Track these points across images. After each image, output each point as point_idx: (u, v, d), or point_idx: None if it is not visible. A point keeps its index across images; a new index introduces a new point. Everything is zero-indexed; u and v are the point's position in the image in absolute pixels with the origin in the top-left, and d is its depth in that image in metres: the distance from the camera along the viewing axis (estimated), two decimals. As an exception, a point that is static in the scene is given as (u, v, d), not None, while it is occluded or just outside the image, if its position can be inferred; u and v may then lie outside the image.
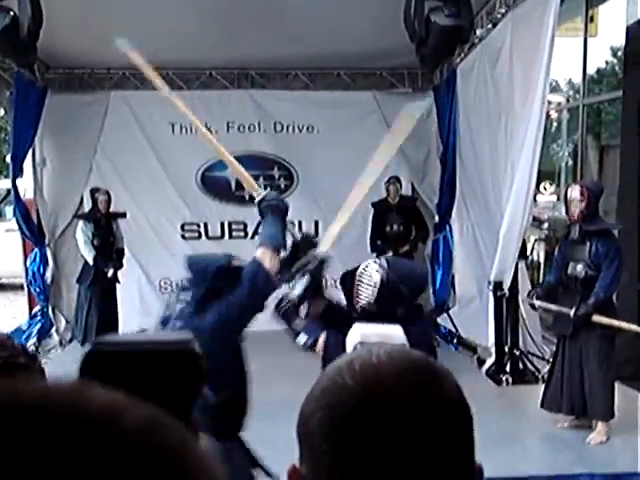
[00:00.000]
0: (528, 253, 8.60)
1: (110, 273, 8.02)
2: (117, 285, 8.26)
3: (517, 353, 6.96)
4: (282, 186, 9.51)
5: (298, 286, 3.23)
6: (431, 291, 9.00)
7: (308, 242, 3.45)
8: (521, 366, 6.95)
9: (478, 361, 7.43)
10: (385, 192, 8.69)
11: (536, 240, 10.35)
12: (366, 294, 3.11)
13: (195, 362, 0.66)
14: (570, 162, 14.57)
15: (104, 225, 8.10)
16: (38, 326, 8.73)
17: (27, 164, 8.73)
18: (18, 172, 8.48)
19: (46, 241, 8.83)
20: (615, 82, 13.39)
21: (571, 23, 11.07)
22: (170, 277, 9.34)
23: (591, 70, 11.30)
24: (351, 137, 8.73)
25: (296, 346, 3.29)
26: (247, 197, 9.51)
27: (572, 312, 5.27)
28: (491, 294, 6.91)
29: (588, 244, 5.32)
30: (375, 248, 8.34)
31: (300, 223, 9.48)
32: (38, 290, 8.88)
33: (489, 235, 7.37)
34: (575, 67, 10.32)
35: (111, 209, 8.17)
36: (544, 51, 5.79)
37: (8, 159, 9.02)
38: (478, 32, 7.50)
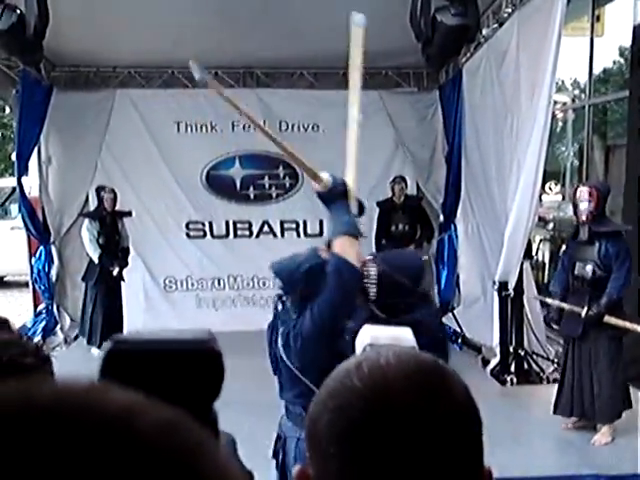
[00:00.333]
0: (533, 253, 8.59)
1: (115, 271, 8.02)
2: (122, 283, 8.26)
3: (522, 353, 6.95)
4: (287, 185, 9.52)
5: None
6: (436, 291, 8.99)
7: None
8: (526, 366, 6.94)
9: (483, 361, 7.42)
10: (390, 191, 8.70)
11: (541, 240, 10.33)
12: (370, 291, 3.11)
13: (215, 361, 0.65)
14: (575, 162, 14.55)
15: (110, 223, 8.10)
16: (43, 324, 8.76)
17: (33, 162, 8.75)
18: (23, 170, 8.50)
19: (51, 239, 8.85)
20: (621, 82, 13.35)
21: (577, 22, 11.05)
22: (175, 275, 9.36)
23: (597, 70, 11.27)
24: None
25: None
26: (252, 196, 9.54)
27: (584, 312, 5.25)
28: (496, 294, 6.90)
29: (597, 244, 5.31)
30: (380, 247, 8.32)
31: (305, 222, 9.50)
32: (43, 288, 8.90)
33: (494, 235, 7.36)
34: (581, 67, 10.30)
35: (117, 207, 8.17)
36: (550, 50, 5.78)
37: (14, 157, 9.02)
38: (484, 32, 7.50)
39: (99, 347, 7.94)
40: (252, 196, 9.54)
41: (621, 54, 14.90)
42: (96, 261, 7.95)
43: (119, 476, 0.39)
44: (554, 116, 10.74)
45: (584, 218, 5.34)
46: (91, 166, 9.01)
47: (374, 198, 8.50)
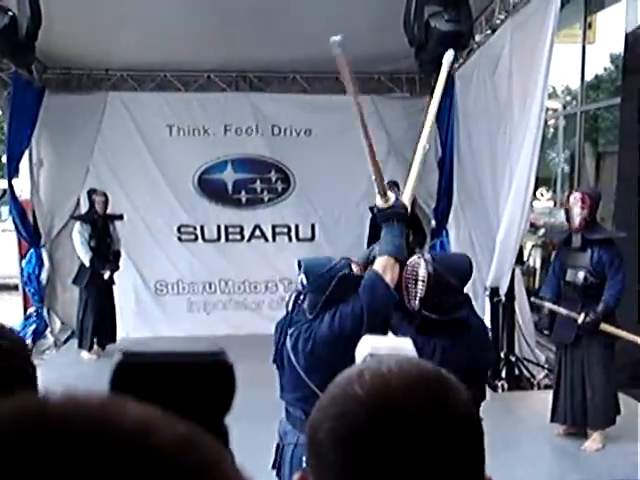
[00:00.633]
0: (525, 259, 8.60)
1: (107, 275, 7.99)
2: (113, 287, 8.23)
3: (513, 359, 6.96)
4: (279, 189, 9.51)
5: None
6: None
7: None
8: (517, 372, 6.95)
9: (474, 367, 7.41)
10: (383, 196, 8.68)
11: (533, 246, 10.35)
12: (417, 290, 3.17)
13: (227, 374, 0.64)
14: (567, 168, 14.60)
15: (101, 227, 8.06)
16: (33, 327, 8.71)
17: (24, 164, 8.71)
18: (14, 172, 8.45)
19: (42, 242, 8.81)
20: (612, 89, 13.41)
21: (569, 30, 11.08)
22: (166, 279, 9.33)
23: (589, 77, 11.31)
24: (348, 141, 8.67)
25: None
26: (244, 200, 9.52)
27: (581, 318, 5.25)
28: (487, 300, 6.90)
29: (589, 251, 5.32)
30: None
31: (297, 226, 9.49)
32: (33, 291, 8.85)
33: (486, 241, 7.37)
34: (573, 74, 10.34)
35: (108, 211, 8.14)
36: (543, 57, 5.79)
37: (4, 159, 8.98)
38: (477, 38, 7.51)
39: (89, 351, 7.91)
40: (244, 200, 9.53)
41: (612, 61, 14.97)
42: (87, 264, 7.92)
43: None
44: (545, 123, 10.79)
45: (577, 225, 5.35)
46: (83, 169, 8.98)
47: (367, 203, 8.48)
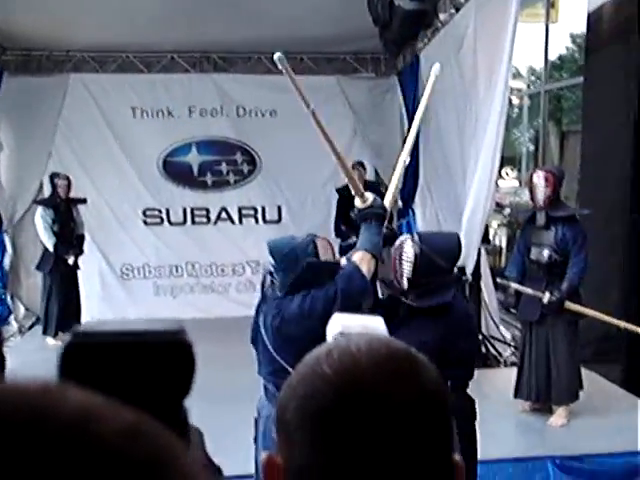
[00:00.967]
0: (490, 238, 8.67)
1: (71, 260, 7.89)
2: (78, 272, 8.13)
3: (480, 337, 7.01)
4: (245, 171, 9.46)
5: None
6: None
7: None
8: (484, 350, 7.01)
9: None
10: (349, 177, 8.68)
11: (498, 225, 10.45)
12: (403, 270, 3.21)
13: (186, 354, 0.61)
14: (531, 148, 14.73)
15: (64, 211, 7.94)
16: (-4, 313, 8.59)
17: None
18: (-26, 157, 8.30)
19: (4, 227, 8.67)
20: (575, 68, 13.52)
21: (532, 9, 11.15)
22: (132, 263, 9.25)
23: (552, 56, 11.39)
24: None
25: None
26: (210, 183, 9.45)
27: (546, 298, 5.29)
28: (454, 279, 6.94)
29: (553, 229, 5.36)
30: (339, 233, 8.32)
31: (264, 208, 9.46)
32: (-4, 277, 8.73)
33: (453, 220, 7.40)
34: (536, 53, 10.41)
35: (71, 194, 8.02)
36: (506, 36, 5.79)
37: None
38: (441, 17, 7.49)
39: (54, 337, 7.82)
40: (210, 182, 9.46)
41: (575, 41, 15.09)
42: (51, 249, 7.80)
43: None
44: (510, 102, 10.86)
45: (541, 203, 5.39)
46: (45, 153, 8.83)
47: (333, 184, 8.49)
